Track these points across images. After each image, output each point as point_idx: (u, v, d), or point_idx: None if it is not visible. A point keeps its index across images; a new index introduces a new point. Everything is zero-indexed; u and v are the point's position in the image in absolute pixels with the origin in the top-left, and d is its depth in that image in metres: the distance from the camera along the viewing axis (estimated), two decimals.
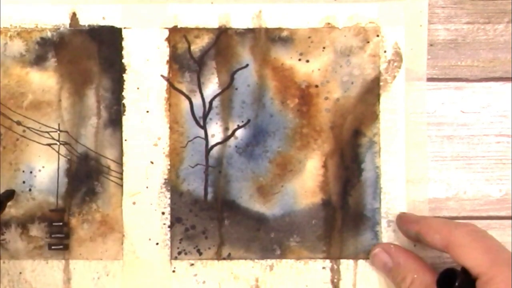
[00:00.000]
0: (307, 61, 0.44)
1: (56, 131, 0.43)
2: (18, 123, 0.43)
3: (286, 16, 0.44)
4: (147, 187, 0.43)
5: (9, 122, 0.43)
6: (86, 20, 0.43)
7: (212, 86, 0.44)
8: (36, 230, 0.43)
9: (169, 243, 0.43)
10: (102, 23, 0.43)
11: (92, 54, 0.43)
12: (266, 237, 0.44)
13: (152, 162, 0.43)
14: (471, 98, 0.44)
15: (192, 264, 0.44)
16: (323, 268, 0.44)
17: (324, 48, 0.44)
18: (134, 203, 0.43)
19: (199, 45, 0.44)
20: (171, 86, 0.44)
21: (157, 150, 0.43)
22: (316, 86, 0.44)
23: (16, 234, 0.43)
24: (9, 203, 0.43)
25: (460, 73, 0.44)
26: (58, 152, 0.43)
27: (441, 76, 0.44)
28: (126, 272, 0.43)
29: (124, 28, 0.43)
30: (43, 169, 0.43)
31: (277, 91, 0.44)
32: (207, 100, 0.44)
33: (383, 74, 0.44)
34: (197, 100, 0.44)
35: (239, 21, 0.44)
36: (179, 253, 0.43)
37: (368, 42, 0.44)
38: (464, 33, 0.44)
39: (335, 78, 0.44)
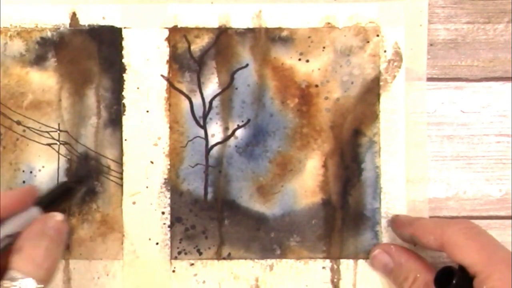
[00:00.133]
0: (307, 61, 0.44)
1: (56, 131, 0.43)
2: (18, 123, 0.43)
3: (286, 16, 0.44)
4: (147, 187, 0.43)
5: (9, 122, 0.43)
6: (86, 20, 0.43)
7: (212, 86, 0.44)
8: None
9: (169, 243, 0.43)
10: (102, 23, 0.43)
11: (92, 54, 0.43)
12: (266, 237, 0.44)
13: (152, 162, 0.43)
14: (471, 98, 0.44)
15: (192, 264, 0.44)
16: (323, 268, 0.44)
17: (324, 48, 0.44)
18: (134, 203, 0.43)
19: (199, 45, 0.44)
20: (171, 86, 0.44)
21: (157, 150, 0.43)
22: (316, 86, 0.44)
23: None
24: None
25: (460, 73, 0.44)
26: (58, 152, 0.43)
27: (441, 76, 0.44)
28: (126, 272, 0.43)
29: (124, 28, 0.43)
30: (43, 169, 0.43)
31: (277, 91, 0.44)
32: (207, 100, 0.44)
33: (383, 74, 0.44)
34: (197, 100, 0.44)
35: (239, 21, 0.44)
36: (179, 253, 0.43)
37: (368, 42, 0.44)
38: (464, 33, 0.44)
39: (335, 78, 0.44)
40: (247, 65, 0.44)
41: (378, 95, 0.44)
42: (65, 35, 0.43)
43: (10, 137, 0.43)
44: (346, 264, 0.44)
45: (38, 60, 0.43)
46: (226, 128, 0.44)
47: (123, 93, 0.43)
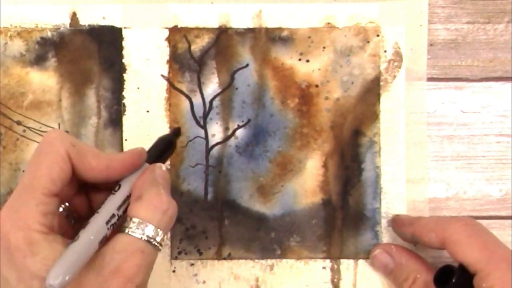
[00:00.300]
0: (307, 61, 0.44)
1: None
2: (18, 123, 0.43)
3: (286, 16, 0.44)
4: None
5: (9, 122, 0.43)
6: (86, 20, 0.43)
7: (212, 86, 0.44)
8: None
9: (169, 243, 0.43)
10: (102, 23, 0.43)
11: (92, 54, 0.43)
12: (266, 237, 0.44)
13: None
14: (471, 98, 0.44)
15: (192, 264, 0.44)
16: (323, 268, 0.44)
17: (324, 48, 0.44)
18: None
19: (199, 45, 0.44)
20: (171, 86, 0.44)
21: None
22: (316, 86, 0.44)
23: None
24: None
25: (460, 73, 0.44)
26: None
27: (441, 76, 0.44)
28: None
29: (124, 28, 0.43)
30: None
31: (277, 91, 0.44)
32: (207, 100, 0.44)
33: (383, 74, 0.44)
34: (197, 100, 0.44)
35: (239, 21, 0.44)
36: (179, 253, 0.43)
37: (368, 42, 0.44)
38: (464, 33, 0.44)
39: (335, 78, 0.44)
40: (247, 65, 0.44)
41: (378, 95, 0.44)
42: (65, 35, 0.43)
43: (10, 137, 0.43)
44: (346, 264, 0.44)
45: (38, 60, 0.43)
46: (226, 128, 0.44)
47: (123, 93, 0.43)
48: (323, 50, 0.44)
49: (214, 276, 0.44)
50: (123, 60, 0.43)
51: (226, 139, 0.44)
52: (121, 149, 0.43)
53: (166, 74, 0.44)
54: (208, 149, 0.44)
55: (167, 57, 0.44)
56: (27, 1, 0.43)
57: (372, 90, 0.44)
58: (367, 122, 0.44)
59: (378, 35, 0.44)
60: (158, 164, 0.36)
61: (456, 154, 0.44)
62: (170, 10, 0.44)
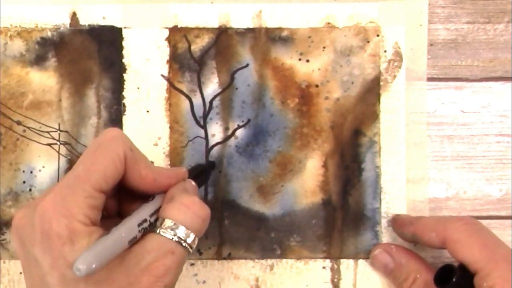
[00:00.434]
0: (307, 61, 0.44)
1: (56, 131, 0.43)
2: (18, 123, 0.43)
3: (286, 16, 0.44)
4: None
5: (9, 122, 0.43)
6: (86, 20, 0.43)
7: (212, 86, 0.44)
8: None
9: None
10: (102, 23, 0.43)
11: (92, 54, 0.43)
12: (266, 237, 0.44)
13: (152, 162, 0.43)
14: (471, 98, 0.44)
15: (192, 264, 0.44)
16: (323, 268, 0.44)
17: (324, 48, 0.44)
18: None
19: (199, 44, 0.44)
20: (171, 86, 0.44)
21: (157, 150, 0.43)
22: (316, 86, 0.44)
23: None
24: (9, 203, 0.43)
25: (460, 73, 0.44)
26: (58, 152, 0.43)
27: (441, 76, 0.44)
28: None
29: (124, 28, 0.43)
30: (43, 169, 0.43)
31: (277, 91, 0.44)
32: (207, 100, 0.44)
33: (383, 74, 0.44)
34: (197, 100, 0.44)
35: (239, 21, 0.44)
36: None
37: (368, 41, 0.44)
38: (464, 33, 0.44)
39: (335, 78, 0.44)
40: (247, 65, 0.44)
41: (378, 95, 0.44)
42: (65, 35, 0.43)
43: (10, 137, 0.43)
44: (346, 264, 0.44)
45: (38, 60, 0.43)
46: (226, 128, 0.44)
47: (123, 93, 0.43)
48: (323, 50, 0.44)
49: (214, 276, 0.44)
50: (123, 60, 0.43)
51: (226, 139, 0.44)
52: None
53: (166, 74, 0.44)
54: (208, 149, 0.44)
55: (167, 57, 0.44)
56: (27, 1, 0.43)
57: (372, 90, 0.44)
58: (367, 122, 0.44)
59: (378, 35, 0.44)
60: (189, 180, 0.38)
61: (456, 154, 0.44)
62: (170, 10, 0.44)
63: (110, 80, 0.43)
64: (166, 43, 0.44)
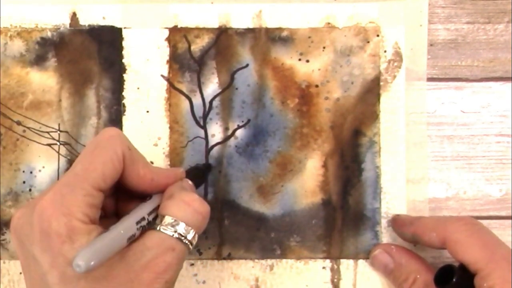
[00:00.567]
0: (307, 61, 0.44)
1: (56, 131, 0.43)
2: (18, 123, 0.43)
3: (286, 16, 0.44)
4: None
5: (9, 122, 0.43)
6: (86, 20, 0.43)
7: (212, 86, 0.44)
8: None
9: None
10: (102, 23, 0.43)
11: (92, 54, 0.43)
12: (266, 237, 0.44)
13: (152, 162, 0.43)
14: (471, 98, 0.44)
15: (192, 264, 0.44)
16: (323, 268, 0.44)
17: (324, 48, 0.44)
18: None
19: (199, 45, 0.44)
20: (171, 86, 0.44)
21: (157, 150, 0.43)
22: (316, 86, 0.44)
23: None
24: (9, 203, 0.43)
25: (460, 73, 0.44)
26: (58, 152, 0.43)
27: (441, 76, 0.44)
28: None
29: (124, 28, 0.43)
30: (43, 169, 0.43)
31: (277, 91, 0.44)
32: (207, 100, 0.44)
33: (383, 74, 0.44)
34: (197, 100, 0.44)
35: (239, 21, 0.44)
36: None
37: (368, 42, 0.44)
38: (464, 33, 0.44)
39: (335, 78, 0.44)
40: (247, 65, 0.44)
41: (378, 95, 0.44)
42: (65, 35, 0.43)
43: (10, 137, 0.43)
44: (346, 264, 0.44)
45: (38, 60, 0.43)
46: (226, 128, 0.44)
47: (123, 93, 0.43)
48: (323, 50, 0.44)
49: (214, 276, 0.44)
50: (123, 60, 0.43)
51: (226, 139, 0.44)
52: None
53: (166, 74, 0.44)
54: (208, 149, 0.44)
55: (167, 57, 0.44)
56: (27, 1, 0.43)
57: (372, 90, 0.44)
58: (367, 122, 0.44)
59: (378, 35, 0.44)
60: (186, 179, 0.38)
61: (456, 154, 0.44)
62: (170, 10, 0.44)
63: (110, 80, 0.43)
64: (166, 43, 0.44)
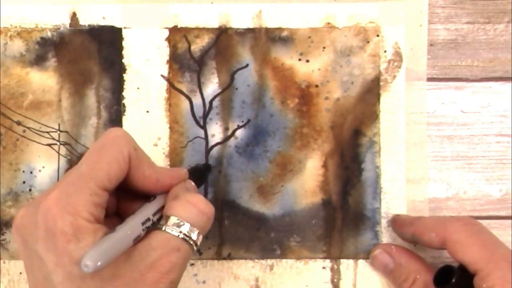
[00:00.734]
0: (307, 61, 0.44)
1: (56, 131, 0.43)
2: (18, 123, 0.43)
3: (286, 16, 0.44)
4: None
5: (9, 122, 0.43)
6: (86, 20, 0.43)
7: (212, 86, 0.44)
8: None
9: None
10: (102, 23, 0.43)
11: (92, 54, 0.43)
12: (266, 237, 0.44)
13: None
14: (471, 98, 0.44)
15: (192, 264, 0.44)
16: (323, 268, 0.44)
17: (324, 48, 0.44)
18: None
19: (199, 45, 0.44)
20: (171, 86, 0.44)
21: (157, 150, 0.43)
22: (316, 86, 0.44)
23: None
24: (9, 203, 0.43)
25: (460, 73, 0.44)
26: (58, 152, 0.43)
27: (441, 76, 0.44)
28: None
29: (124, 28, 0.43)
30: (43, 169, 0.43)
31: (277, 91, 0.44)
32: (207, 100, 0.44)
33: (383, 74, 0.44)
34: (197, 100, 0.44)
35: (239, 21, 0.44)
36: None
37: (368, 42, 0.44)
38: (464, 33, 0.44)
39: (335, 78, 0.44)
40: (247, 65, 0.44)
41: (378, 95, 0.44)
42: (65, 35, 0.43)
43: (10, 137, 0.43)
44: (346, 264, 0.44)
45: (38, 60, 0.43)
46: (226, 128, 0.44)
47: (123, 93, 0.43)
48: (323, 50, 0.44)
49: (214, 276, 0.44)
50: (123, 60, 0.43)
51: (226, 139, 0.44)
52: None
53: (166, 74, 0.44)
54: (208, 149, 0.44)
55: (167, 57, 0.44)
56: (27, 1, 0.43)
57: (372, 90, 0.44)
58: (367, 122, 0.44)
59: (378, 35, 0.44)
60: (189, 180, 0.39)
61: (456, 154, 0.44)
62: (170, 10, 0.44)
63: (110, 80, 0.43)
64: (166, 43, 0.44)
